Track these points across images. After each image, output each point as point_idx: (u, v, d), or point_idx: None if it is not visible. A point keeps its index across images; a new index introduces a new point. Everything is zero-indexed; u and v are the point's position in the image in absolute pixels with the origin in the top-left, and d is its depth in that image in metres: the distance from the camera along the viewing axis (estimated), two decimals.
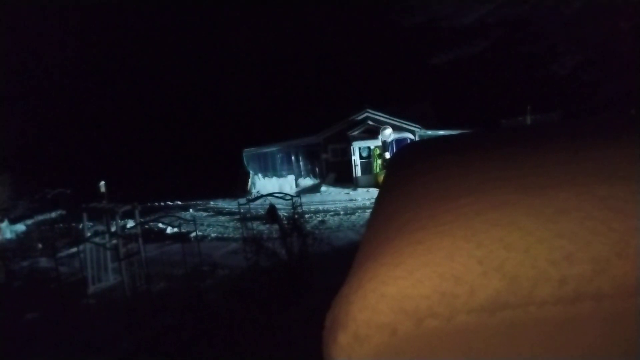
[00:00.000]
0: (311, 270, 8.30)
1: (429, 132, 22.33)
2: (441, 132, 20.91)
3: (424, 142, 2.49)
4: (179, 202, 24.07)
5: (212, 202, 23.34)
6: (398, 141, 21.85)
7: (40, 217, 20.91)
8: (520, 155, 1.21)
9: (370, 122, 23.16)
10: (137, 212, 11.19)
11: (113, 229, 10.68)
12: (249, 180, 25.54)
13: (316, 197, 21.16)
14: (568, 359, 0.64)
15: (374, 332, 0.68)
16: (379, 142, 22.23)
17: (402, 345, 0.67)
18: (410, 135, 22.52)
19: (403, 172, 1.46)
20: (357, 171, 22.92)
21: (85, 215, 11.68)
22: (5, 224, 19.61)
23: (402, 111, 23.78)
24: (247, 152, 27.00)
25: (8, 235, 19.02)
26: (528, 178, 0.95)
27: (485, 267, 0.69)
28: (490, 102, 27.13)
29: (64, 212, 21.48)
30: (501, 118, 24.69)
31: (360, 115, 23.55)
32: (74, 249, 10.33)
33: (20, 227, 20.29)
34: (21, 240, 18.15)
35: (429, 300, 0.68)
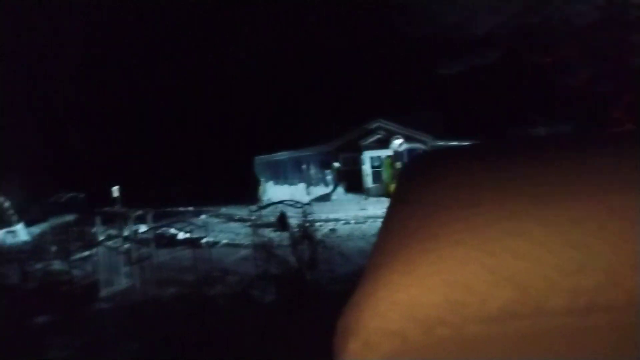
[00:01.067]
0: (321, 278, 8.28)
1: (441, 142, 22.23)
2: (452, 143, 20.80)
3: (436, 152, 2.49)
4: (191, 208, 24.21)
5: (223, 209, 23.45)
6: (409, 151, 21.79)
7: (55, 220, 21.19)
8: (532, 165, 1.20)
9: (381, 132, 23.15)
10: (149, 217, 11.31)
11: (125, 233, 10.79)
12: (260, 187, 25.64)
13: (327, 205, 21.14)
14: None
15: (384, 339, 0.68)
16: (390, 152, 22.19)
17: (412, 353, 0.67)
18: (422, 146, 22.45)
19: (414, 182, 1.46)
20: (368, 180, 22.88)
21: (98, 219, 11.83)
22: (20, 225, 19.91)
23: (414, 121, 23.74)
24: (259, 160, 27.13)
25: (23, 237, 19.30)
26: (541, 188, 0.95)
27: (497, 277, 0.69)
28: (501, 112, 26.93)
29: (78, 215, 21.75)
30: (513, 129, 24.48)
31: (372, 124, 23.55)
32: (87, 253, 10.45)
33: (35, 229, 20.58)
34: (35, 242, 18.39)
35: (439, 308, 0.68)
